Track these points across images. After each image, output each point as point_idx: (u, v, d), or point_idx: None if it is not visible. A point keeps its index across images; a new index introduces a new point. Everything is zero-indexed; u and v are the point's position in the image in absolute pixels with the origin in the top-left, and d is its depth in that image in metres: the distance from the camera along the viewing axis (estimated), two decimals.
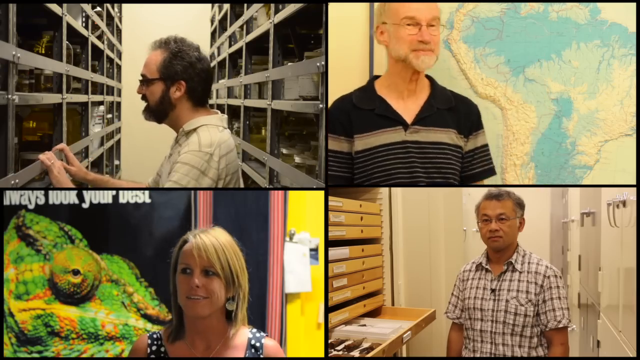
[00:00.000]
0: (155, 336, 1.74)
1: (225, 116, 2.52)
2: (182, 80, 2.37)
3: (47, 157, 2.52)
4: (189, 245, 1.68)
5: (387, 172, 2.18)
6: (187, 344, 1.70)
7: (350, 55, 2.51)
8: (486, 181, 2.30)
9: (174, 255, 1.71)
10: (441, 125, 2.20)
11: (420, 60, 2.15)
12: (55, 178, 2.50)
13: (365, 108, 2.22)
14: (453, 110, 2.23)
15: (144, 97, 2.43)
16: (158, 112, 2.42)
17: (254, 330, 1.75)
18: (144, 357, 1.71)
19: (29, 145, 2.92)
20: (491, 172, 2.30)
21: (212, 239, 1.67)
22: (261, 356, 1.72)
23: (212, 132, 2.37)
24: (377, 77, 2.29)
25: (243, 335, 1.73)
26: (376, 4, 2.24)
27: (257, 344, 1.73)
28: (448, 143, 2.20)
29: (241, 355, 1.71)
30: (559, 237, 5.10)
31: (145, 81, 2.40)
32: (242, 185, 3.14)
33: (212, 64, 8.19)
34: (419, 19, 2.14)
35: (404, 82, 2.21)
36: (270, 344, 1.75)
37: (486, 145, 2.28)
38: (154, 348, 1.72)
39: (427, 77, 2.27)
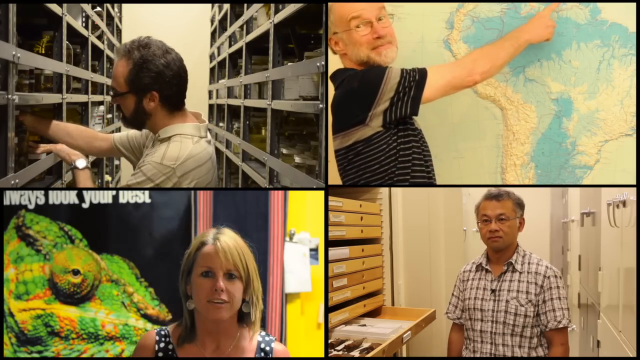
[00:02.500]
0: (163, 332, 1.71)
1: (205, 124, 2.39)
2: (153, 91, 2.25)
3: (46, 148, 2.62)
4: (209, 247, 1.65)
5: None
6: (197, 346, 1.68)
7: None
8: (486, 181, 2.29)
9: (189, 257, 1.67)
10: None
11: (383, 55, 2.14)
12: (62, 152, 2.56)
13: None
14: None
15: (118, 108, 2.35)
16: (135, 121, 2.35)
17: (263, 333, 1.74)
18: (152, 354, 1.68)
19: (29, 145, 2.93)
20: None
21: (232, 241, 1.66)
22: None
23: (183, 145, 2.25)
24: None
25: (253, 338, 1.72)
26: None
27: (267, 348, 1.72)
28: None
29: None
30: (559, 237, 5.10)
31: (116, 95, 2.30)
32: None
33: (211, 64, 8.20)
34: (366, 17, 2.12)
35: None
36: (279, 349, 1.74)
37: None
38: (162, 345, 1.69)
39: None
